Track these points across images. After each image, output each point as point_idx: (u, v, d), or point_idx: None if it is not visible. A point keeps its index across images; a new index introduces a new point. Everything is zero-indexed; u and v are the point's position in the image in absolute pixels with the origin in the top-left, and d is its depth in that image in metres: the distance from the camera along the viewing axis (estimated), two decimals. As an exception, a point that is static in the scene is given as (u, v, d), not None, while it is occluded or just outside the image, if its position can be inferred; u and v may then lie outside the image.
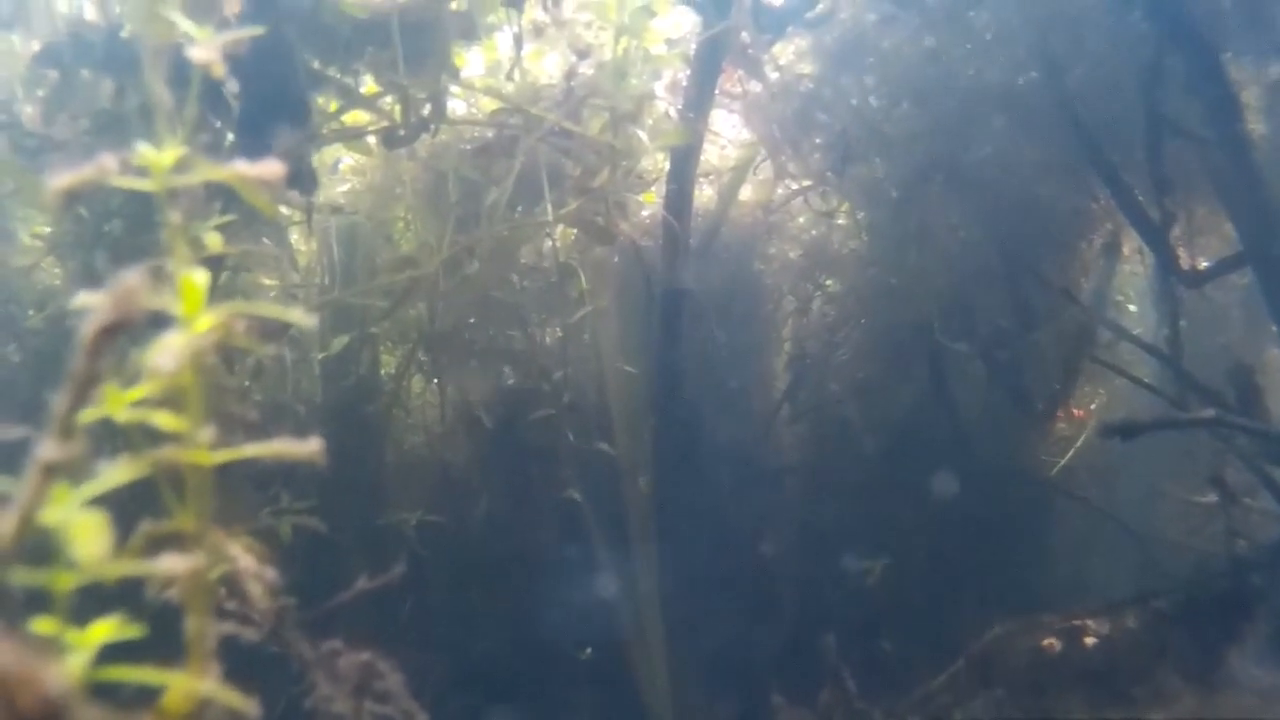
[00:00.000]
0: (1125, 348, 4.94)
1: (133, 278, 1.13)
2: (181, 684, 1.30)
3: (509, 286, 4.44)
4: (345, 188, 4.22)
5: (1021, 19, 4.18)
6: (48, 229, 3.55)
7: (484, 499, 4.40)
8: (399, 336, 4.43)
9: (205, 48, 1.96)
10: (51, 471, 1.11)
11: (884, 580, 4.35)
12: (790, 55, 4.30)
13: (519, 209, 4.01)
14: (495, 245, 3.77)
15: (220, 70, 1.98)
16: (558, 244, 4.25)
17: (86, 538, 1.11)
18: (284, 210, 3.67)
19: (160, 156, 1.66)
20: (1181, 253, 4.53)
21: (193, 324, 1.40)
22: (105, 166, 1.58)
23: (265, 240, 4.11)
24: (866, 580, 4.19)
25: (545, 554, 4.34)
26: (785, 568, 4.60)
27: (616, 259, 4.56)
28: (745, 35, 3.91)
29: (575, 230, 4.34)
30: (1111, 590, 4.62)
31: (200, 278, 1.47)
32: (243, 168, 1.57)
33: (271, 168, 1.55)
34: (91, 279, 3.51)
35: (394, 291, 3.76)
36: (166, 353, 1.32)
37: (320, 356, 4.16)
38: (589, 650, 4.27)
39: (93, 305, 1.19)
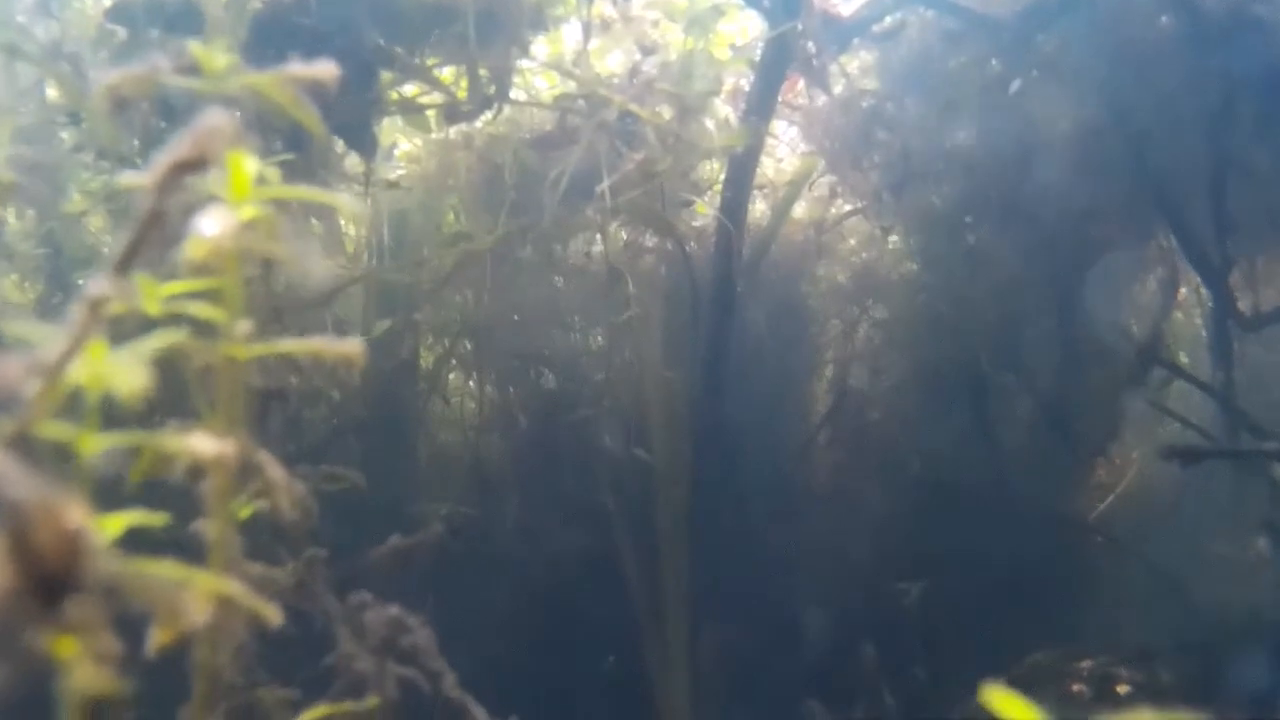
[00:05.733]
0: (1173, 397, 4.84)
1: (219, 118, 1.09)
2: (205, 583, 1.23)
3: (555, 287, 4.41)
4: (399, 174, 4.21)
5: (1091, 49, 4.13)
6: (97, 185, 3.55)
7: (515, 498, 4.34)
8: (441, 329, 4.40)
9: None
10: (99, 309, 1.04)
11: (916, 609, 4.25)
12: (855, 69, 4.26)
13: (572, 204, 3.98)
14: (546, 235, 3.73)
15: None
16: (607, 248, 4.22)
17: (128, 379, 1.04)
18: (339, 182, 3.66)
19: (212, 57, 1.61)
20: (1240, 298, 4.45)
21: (238, 207, 1.36)
22: (157, 66, 1.54)
23: (314, 220, 4.10)
24: (902, 603, 4.09)
25: (574, 557, 4.27)
26: (817, 588, 4.50)
27: (664, 270, 4.52)
28: (811, 45, 3.88)
29: (625, 234, 4.31)
30: (1147, 639, 4.50)
31: (250, 165, 1.42)
32: (295, 68, 1.52)
33: (326, 68, 1.50)
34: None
35: (442, 275, 3.73)
36: (212, 221, 1.26)
37: (361, 339, 4.12)
38: (612, 659, 4.19)
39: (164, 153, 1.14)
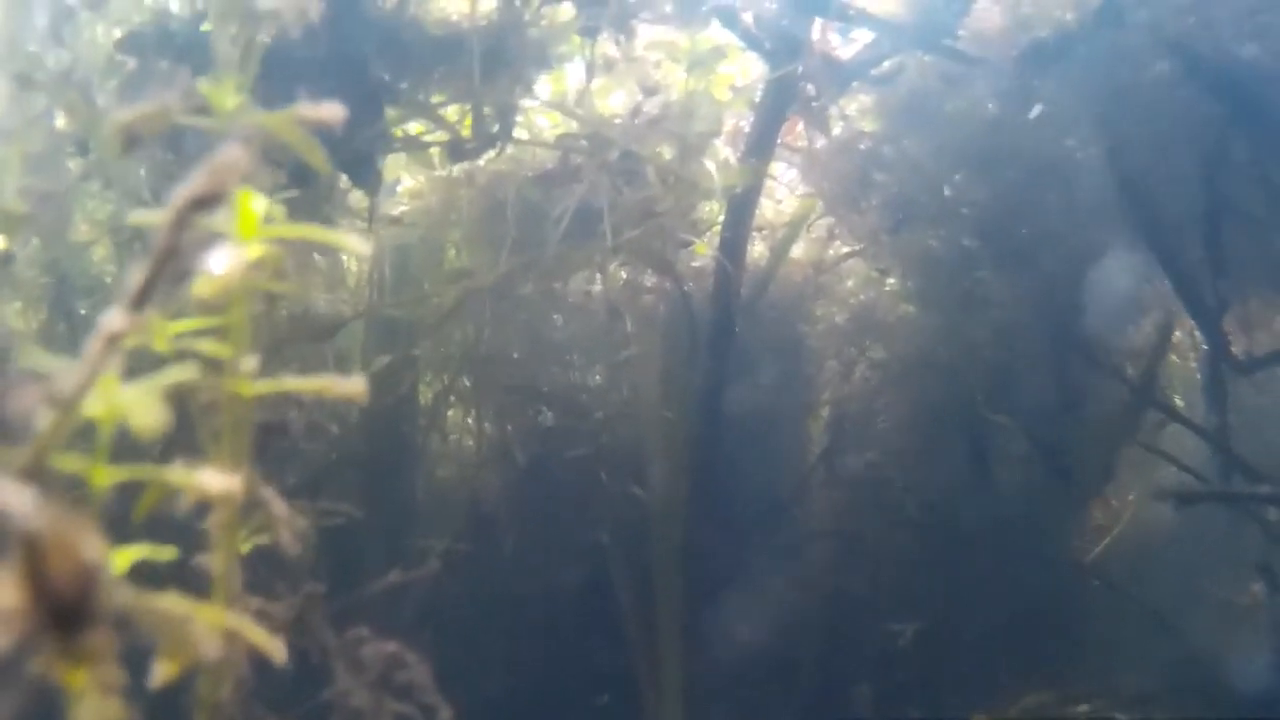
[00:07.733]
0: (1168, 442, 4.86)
1: (235, 152, 1.10)
2: (212, 617, 1.23)
3: (554, 325, 4.43)
4: (401, 209, 4.23)
5: (1086, 94, 4.18)
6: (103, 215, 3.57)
7: (511, 535, 4.34)
8: (440, 364, 4.41)
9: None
10: (115, 342, 1.05)
11: (911, 649, 4.25)
12: (853, 111, 4.30)
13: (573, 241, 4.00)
14: (547, 272, 3.76)
15: (296, 16, 1.98)
16: (606, 287, 4.25)
17: (146, 413, 1.05)
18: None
19: (222, 95, 1.63)
20: (1234, 342, 4.48)
21: (246, 245, 1.37)
22: (169, 103, 1.55)
23: (316, 255, 4.12)
24: (897, 644, 4.08)
25: (569, 593, 4.27)
26: (811, 627, 4.49)
27: (662, 307, 4.55)
28: (811, 87, 3.93)
29: (625, 273, 4.34)
30: (1141, 682, 4.50)
31: (258, 203, 1.44)
32: (303, 108, 1.53)
33: (332, 109, 1.52)
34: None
35: (443, 311, 3.75)
36: (221, 259, 1.28)
37: (361, 375, 4.13)
38: (605, 697, 4.17)
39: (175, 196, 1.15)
